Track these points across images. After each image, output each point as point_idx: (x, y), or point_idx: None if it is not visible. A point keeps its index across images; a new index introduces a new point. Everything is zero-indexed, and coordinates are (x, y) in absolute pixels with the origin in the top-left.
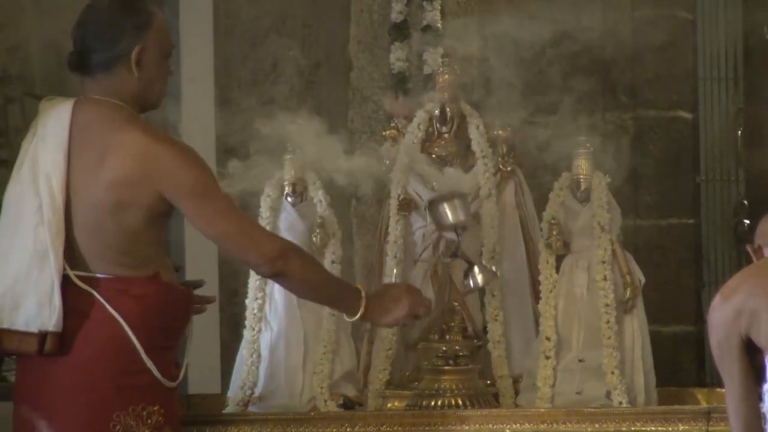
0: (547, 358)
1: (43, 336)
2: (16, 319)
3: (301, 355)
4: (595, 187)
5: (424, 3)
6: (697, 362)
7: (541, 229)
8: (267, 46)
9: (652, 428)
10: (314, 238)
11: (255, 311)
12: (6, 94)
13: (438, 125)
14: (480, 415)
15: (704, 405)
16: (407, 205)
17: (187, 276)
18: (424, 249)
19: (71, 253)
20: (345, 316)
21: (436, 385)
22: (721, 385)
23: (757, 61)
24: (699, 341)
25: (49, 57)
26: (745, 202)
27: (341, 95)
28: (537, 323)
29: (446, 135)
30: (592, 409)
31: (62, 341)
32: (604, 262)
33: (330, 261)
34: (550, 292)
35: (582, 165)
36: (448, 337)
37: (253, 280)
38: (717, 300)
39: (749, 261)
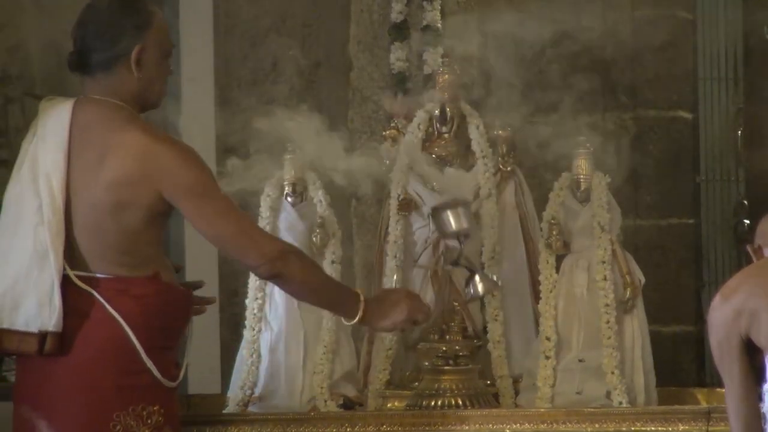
0: (547, 358)
1: (43, 336)
2: (16, 319)
3: (301, 355)
4: (595, 187)
5: (424, 3)
6: (697, 362)
7: (541, 229)
8: (267, 45)
9: (652, 428)
10: (314, 238)
11: (255, 311)
12: (6, 94)
13: (438, 125)
14: (480, 415)
15: (704, 405)
16: (407, 205)
17: (187, 276)
18: (424, 249)
19: (71, 253)
20: (343, 320)
21: (436, 385)
22: (721, 385)
23: (757, 61)
24: (699, 341)
25: (49, 57)
26: (745, 202)
27: (341, 95)
28: (537, 323)
29: (446, 135)
30: (592, 409)
31: (62, 341)
32: (604, 262)
33: (330, 261)
34: (550, 292)
35: (582, 165)
36: (448, 337)
37: (253, 280)
38: (717, 300)
39: (749, 261)
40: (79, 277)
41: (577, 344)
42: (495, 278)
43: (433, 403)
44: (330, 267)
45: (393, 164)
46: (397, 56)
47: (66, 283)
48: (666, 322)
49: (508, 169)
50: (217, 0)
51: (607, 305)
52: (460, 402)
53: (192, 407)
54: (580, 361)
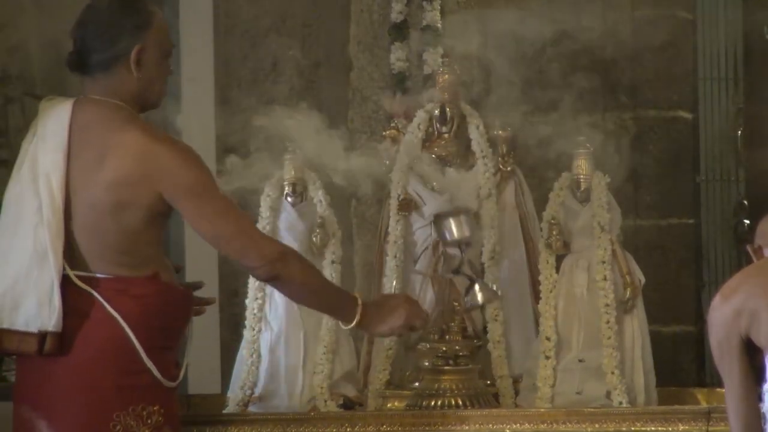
0: (547, 358)
1: (42, 336)
2: (16, 319)
3: (301, 355)
4: (595, 187)
5: (424, 3)
6: (697, 362)
7: (541, 229)
8: (267, 45)
9: (652, 428)
10: (314, 238)
11: (255, 311)
12: (6, 94)
13: (438, 125)
14: (480, 415)
15: (704, 405)
16: (407, 205)
17: (187, 276)
18: (423, 250)
19: (71, 253)
20: (341, 324)
21: (436, 385)
22: (721, 385)
23: (757, 61)
24: (699, 341)
25: (49, 57)
26: (745, 202)
27: (341, 95)
28: (537, 323)
29: (446, 135)
30: (592, 409)
31: (62, 341)
32: (604, 262)
33: (330, 261)
34: (550, 292)
35: (582, 165)
36: (448, 337)
37: (253, 280)
38: (717, 300)
39: (749, 261)
40: (79, 277)
41: (577, 344)
42: (495, 287)
43: (433, 403)
44: (330, 267)
45: (393, 164)
46: (397, 56)
47: (66, 283)
48: (666, 322)
49: (508, 169)
50: (217, 0)
51: (607, 305)
52: (460, 402)
53: (192, 407)
54: (580, 361)
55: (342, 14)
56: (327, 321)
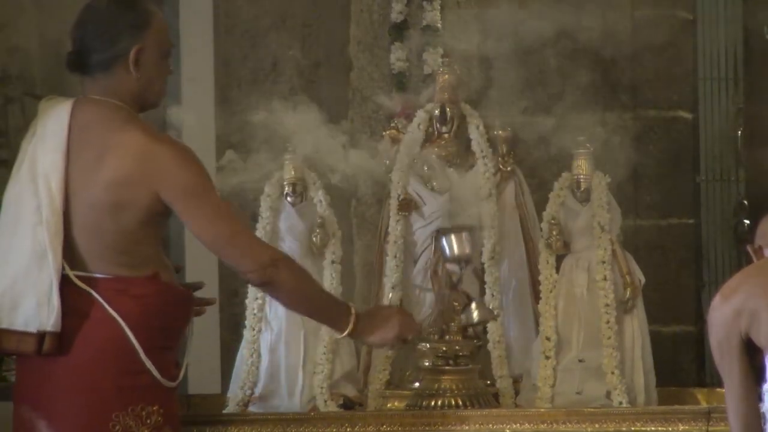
0: (547, 358)
1: (41, 336)
2: (15, 319)
3: (301, 355)
4: (595, 187)
5: (424, 3)
6: (697, 362)
7: (541, 229)
8: (267, 45)
9: (652, 428)
10: (314, 238)
11: (255, 311)
12: (6, 94)
13: (438, 125)
14: (480, 415)
15: (704, 405)
16: (407, 205)
17: (187, 276)
18: (423, 249)
19: (71, 253)
20: (334, 333)
21: (436, 385)
22: (721, 385)
23: (757, 61)
24: (699, 341)
25: (49, 57)
26: (745, 202)
27: (341, 95)
28: (537, 323)
29: (446, 135)
30: (592, 409)
31: (61, 341)
32: (604, 262)
33: (330, 261)
34: (550, 292)
35: (582, 165)
36: (448, 337)
37: None
38: (717, 300)
39: (749, 261)
40: (79, 277)
41: (577, 344)
42: (492, 307)
43: (433, 403)
44: (330, 267)
45: (393, 164)
46: (397, 56)
47: (65, 283)
48: (666, 322)
49: (508, 169)
50: (217, 0)
51: (607, 305)
52: (460, 402)
53: (192, 407)
54: (580, 361)
55: (342, 14)
56: None
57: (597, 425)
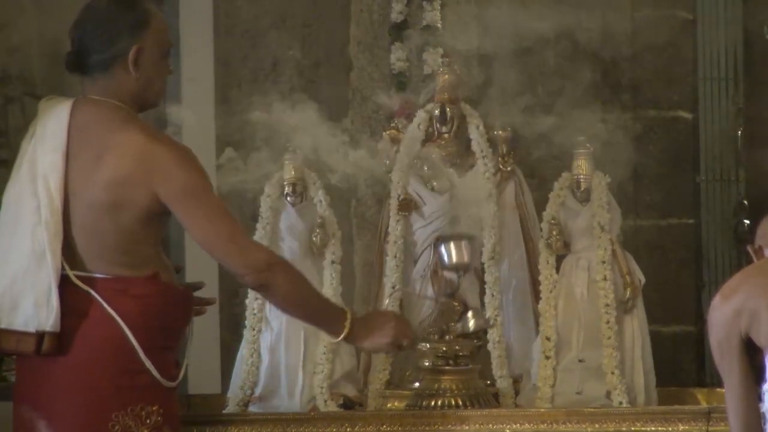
0: (547, 358)
1: (40, 336)
2: (14, 319)
3: (301, 355)
4: (595, 187)
5: (424, 3)
6: (697, 362)
7: (541, 229)
8: (267, 45)
9: (652, 428)
10: (314, 238)
11: (255, 311)
12: (6, 94)
13: (438, 125)
14: (480, 415)
15: (704, 405)
16: (407, 205)
17: (187, 276)
18: (423, 249)
19: (70, 253)
20: (329, 337)
21: (436, 385)
22: (721, 385)
23: (757, 61)
24: (699, 341)
25: (49, 57)
26: (745, 202)
27: (341, 95)
28: (537, 323)
29: (446, 135)
30: (592, 409)
31: (61, 341)
32: (604, 262)
33: (330, 261)
34: (550, 292)
35: (582, 165)
36: (448, 337)
37: None
38: (717, 300)
39: (749, 261)
40: (79, 277)
41: (577, 344)
42: (488, 317)
43: (433, 403)
44: (330, 267)
45: (393, 164)
46: (397, 56)
47: (65, 283)
48: (666, 322)
49: (508, 169)
50: (217, 0)
51: (607, 305)
52: (460, 402)
53: (192, 407)
54: (580, 361)
55: (342, 14)
56: None
57: (597, 425)
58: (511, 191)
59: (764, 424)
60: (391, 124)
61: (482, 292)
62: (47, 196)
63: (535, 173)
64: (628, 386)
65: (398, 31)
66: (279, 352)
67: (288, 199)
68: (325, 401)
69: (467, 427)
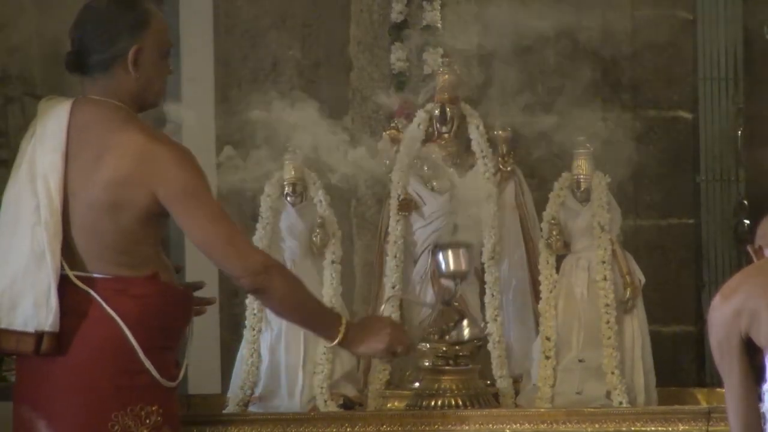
0: (547, 358)
1: (40, 336)
2: (14, 319)
3: (301, 355)
4: (595, 187)
5: (424, 3)
6: (697, 362)
7: (541, 229)
8: (267, 45)
9: (652, 428)
10: (314, 238)
11: (255, 311)
12: (6, 94)
13: (438, 125)
14: (480, 415)
15: (704, 405)
16: (407, 205)
17: (187, 276)
18: (423, 249)
19: (70, 253)
20: (323, 341)
21: (436, 385)
22: (721, 385)
23: (757, 61)
24: (699, 341)
25: (49, 57)
26: (745, 202)
27: (341, 95)
28: (537, 323)
29: (446, 135)
30: (592, 409)
31: (60, 341)
32: (604, 262)
33: (330, 261)
34: (550, 292)
35: (582, 165)
36: (448, 337)
37: None
38: (717, 300)
39: (749, 261)
40: (78, 277)
41: (577, 344)
42: (483, 326)
43: (433, 403)
44: (330, 267)
45: (393, 164)
46: (397, 56)
47: (64, 283)
48: (666, 322)
49: (508, 169)
50: (217, 0)
51: (607, 305)
52: (460, 402)
53: (192, 407)
54: (580, 361)
55: (342, 14)
56: None
57: (597, 425)
58: (511, 191)
59: (764, 424)
60: (391, 124)
61: (482, 292)
62: (47, 196)
63: (535, 173)
64: (628, 386)
65: (398, 31)
66: (279, 352)
67: (288, 199)
68: (325, 401)
69: (467, 427)
